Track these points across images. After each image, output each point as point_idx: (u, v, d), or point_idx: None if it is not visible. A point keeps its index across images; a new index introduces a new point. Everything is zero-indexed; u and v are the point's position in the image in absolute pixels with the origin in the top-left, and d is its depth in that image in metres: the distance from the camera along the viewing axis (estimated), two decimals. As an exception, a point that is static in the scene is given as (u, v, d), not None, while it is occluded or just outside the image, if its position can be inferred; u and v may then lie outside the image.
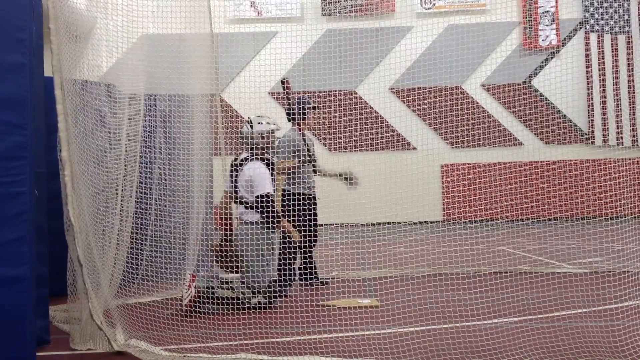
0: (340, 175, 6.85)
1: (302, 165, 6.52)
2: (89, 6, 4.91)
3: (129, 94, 5.55)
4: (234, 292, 5.43)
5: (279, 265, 6.25)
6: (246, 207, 5.70)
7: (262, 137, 5.73)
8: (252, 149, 5.79)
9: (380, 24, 18.46)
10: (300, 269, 6.61)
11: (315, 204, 6.60)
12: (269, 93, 18.00)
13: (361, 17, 19.21)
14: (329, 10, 19.62)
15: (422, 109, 18.60)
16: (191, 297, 5.28)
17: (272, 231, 5.72)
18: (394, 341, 4.10)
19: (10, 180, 3.78)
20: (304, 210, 6.20)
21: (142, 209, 6.00)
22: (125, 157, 5.50)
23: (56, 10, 4.16)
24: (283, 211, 6.36)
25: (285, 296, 6.10)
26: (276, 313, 5.49)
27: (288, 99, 6.60)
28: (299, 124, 6.62)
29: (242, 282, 5.55)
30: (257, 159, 5.75)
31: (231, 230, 5.85)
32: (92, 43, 4.95)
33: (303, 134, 6.66)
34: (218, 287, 5.45)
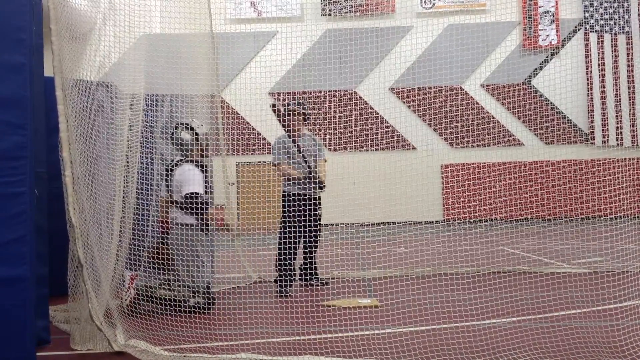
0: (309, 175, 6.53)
1: (297, 166, 6.46)
2: (89, 6, 4.91)
3: (129, 93, 5.55)
4: (172, 292, 5.38)
5: (279, 264, 6.24)
6: (180, 209, 5.59)
7: (207, 140, 5.72)
8: (192, 152, 5.68)
9: (380, 24, 18.47)
10: (300, 269, 6.60)
11: (316, 204, 6.55)
12: (268, 93, 18.00)
13: (361, 17, 19.22)
14: (329, 10, 19.61)
15: (422, 109, 18.62)
16: (131, 297, 5.26)
17: (205, 233, 5.61)
18: (394, 341, 4.10)
19: (10, 180, 3.78)
20: (301, 210, 6.18)
21: (142, 208, 5.99)
22: (126, 157, 5.51)
23: (57, 12, 4.16)
24: (288, 211, 6.32)
25: (286, 296, 6.10)
26: (276, 313, 5.49)
27: (282, 122, 6.50)
28: (286, 130, 6.55)
29: (179, 284, 5.48)
30: (190, 161, 5.66)
31: (167, 233, 5.75)
32: (92, 43, 4.95)
33: (302, 136, 6.57)
34: (158, 287, 5.39)
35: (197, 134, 5.68)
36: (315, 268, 6.73)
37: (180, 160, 5.69)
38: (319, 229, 6.66)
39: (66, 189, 4.16)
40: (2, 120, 3.80)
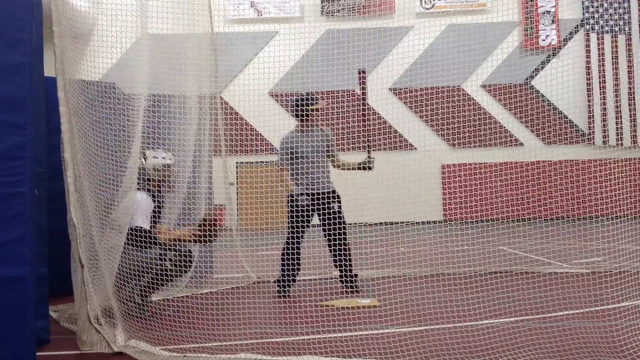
0: (360, 164, 6.46)
1: (298, 164, 6.31)
2: (89, 6, 4.92)
3: (129, 94, 5.54)
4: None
5: (282, 264, 6.20)
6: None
7: (156, 171, 5.64)
8: (145, 181, 5.64)
9: (380, 24, 18.47)
10: (340, 278, 6.38)
11: (327, 200, 6.22)
12: (268, 93, 18.00)
13: (361, 17, 19.22)
14: (329, 10, 19.62)
15: (422, 109, 18.62)
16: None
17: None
18: (394, 341, 4.10)
19: (10, 180, 3.78)
20: (306, 210, 6.14)
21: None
22: (126, 157, 5.51)
23: (59, 13, 4.16)
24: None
25: (285, 296, 6.10)
26: (276, 313, 5.50)
27: (363, 91, 6.51)
28: (303, 121, 6.45)
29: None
30: (144, 189, 5.60)
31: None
32: (92, 43, 4.96)
33: (312, 130, 6.45)
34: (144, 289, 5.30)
35: (156, 168, 5.63)
36: (351, 273, 6.27)
37: (139, 187, 5.60)
38: (342, 227, 6.22)
39: (67, 189, 4.16)
40: (2, 120, 3.80)
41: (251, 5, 19.81)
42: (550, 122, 19.35)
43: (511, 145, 18.40)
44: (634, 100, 19.23)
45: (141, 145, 5.81)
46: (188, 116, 6.39)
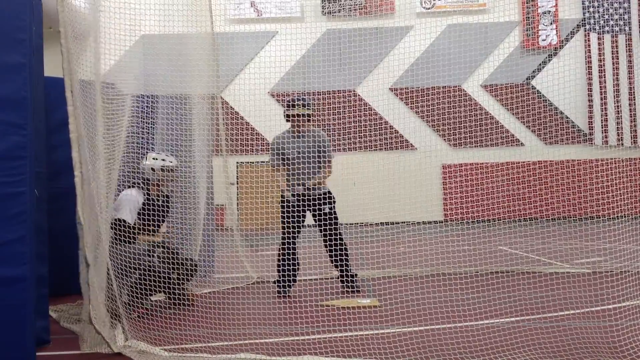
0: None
1: (288, 166, 6.29)
2: (89, 6, 4.91)
3: (129, 94, 5.54)
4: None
5: (279, 265, 6.21)
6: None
7: (153, 171, 5.72)
8: (143, 180, 5.73)
9: (380, 24, 18.48)
10: (340, 279, 6.37)
11: (319, 202, 6.19)
12: (269, 93, 18.00)
13: (361, 17, 19.23)
14: (329, 10, 19.62)
15: (422, 109, 18.63)
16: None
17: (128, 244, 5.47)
18: (394, 341, 4.10)
19: (10, 180, 3.77)
20: (298, 211, 6.12)
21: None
22: (126, 156, 5.52)
23: (65, 14, 4.16)
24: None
25: (285, 296, 6.10)
26: (276, 313, 5.49)
27: (287, 119, 6.40)
28: (293, 123, 6.36)
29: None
30: (134, 186, 5.69)
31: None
32: (92, 43, 4.95)
33: (303, 132, 6.40)
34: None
35: (153, 169, 5.70)
36: (350, 274, 6.26)
37: (133, 184, 5.72)
38: (335, 228, 6.19)
39: (76, 188, 4.15)
40: (2, 120, 3.80)
41: (251, 5, 19.81)
42: (551, 122, 19.36)
43: (511, 145, 18.42)
44: (634, 100, 19.24)
45: (140, 146, 5.85)
46: (189, 116, 6.39)
